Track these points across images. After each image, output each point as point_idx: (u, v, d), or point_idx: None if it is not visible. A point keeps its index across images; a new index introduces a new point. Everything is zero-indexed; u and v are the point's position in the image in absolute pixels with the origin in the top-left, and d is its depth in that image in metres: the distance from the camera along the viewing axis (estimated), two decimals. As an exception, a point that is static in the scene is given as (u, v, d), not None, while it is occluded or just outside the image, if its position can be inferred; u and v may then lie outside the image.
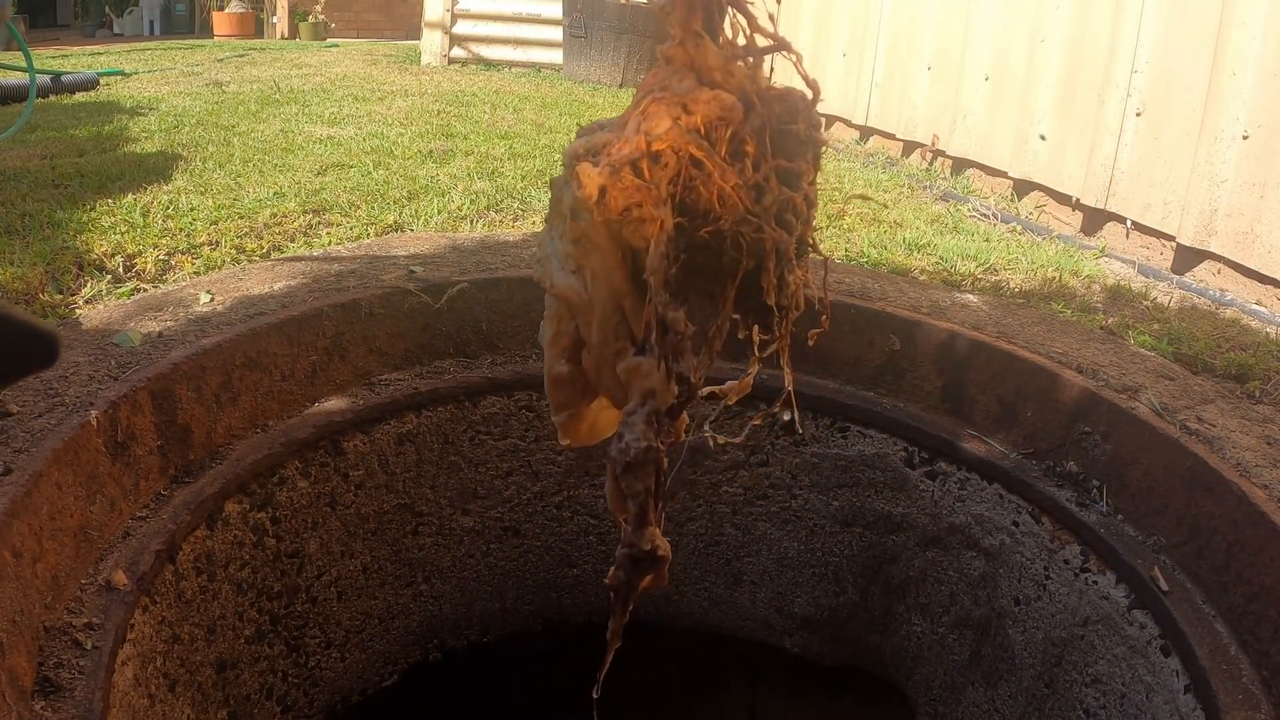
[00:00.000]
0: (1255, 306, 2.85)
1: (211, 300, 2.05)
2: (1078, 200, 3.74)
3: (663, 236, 0.80)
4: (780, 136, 0.81)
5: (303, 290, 2.12)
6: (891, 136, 5.15)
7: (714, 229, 0.80)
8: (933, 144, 4.77)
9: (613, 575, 0.84)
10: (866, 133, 5.41)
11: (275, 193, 3.01)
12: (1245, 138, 2.93)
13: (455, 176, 3.41)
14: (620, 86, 6.80)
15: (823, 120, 0.85)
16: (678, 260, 0.81)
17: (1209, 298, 2.92)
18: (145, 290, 2.15)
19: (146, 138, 3.88)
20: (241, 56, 7.86)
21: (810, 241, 0.87)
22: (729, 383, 0.95)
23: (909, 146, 5.04)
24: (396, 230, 2.74)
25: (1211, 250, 3.08)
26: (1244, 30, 2.94)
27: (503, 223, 2.89)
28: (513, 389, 2.21)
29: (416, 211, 2.91)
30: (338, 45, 9.81)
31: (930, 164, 4.80)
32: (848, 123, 5.61)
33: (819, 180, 0.89)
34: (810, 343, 1.01)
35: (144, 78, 6.21)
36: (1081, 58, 3.73)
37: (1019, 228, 3.63)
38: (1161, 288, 2.96)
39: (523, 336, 2.25)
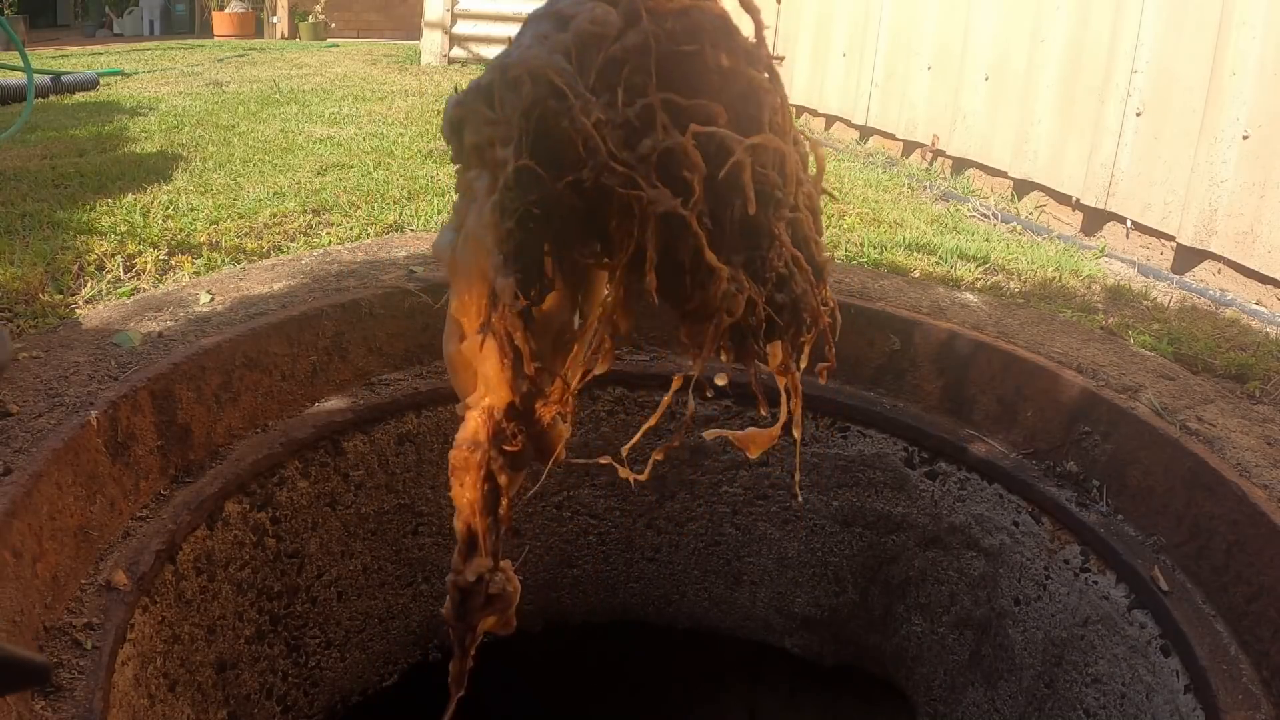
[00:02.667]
0: (1255, 306, 2.85)
1: (211, 300, 2.05)
2: (1078, 200, 3.74)
3: (497, 184, 0.65)
4: (674, 62, 0.62)
5: (303, 290, 2.12)
6: (891, 136, 5.15)
7: (574, 179, 0.62)
8: (933, 144, 4.77)
9: (446, 605, 0.70)
10: (866, 133, 5.41)
11: (275, 193, 3.01)
12: (1245, 138, 2.93)
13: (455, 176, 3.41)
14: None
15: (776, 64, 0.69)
16: (515, 214, 0.65)
17: (1209, 298, 2.92)
18: (145, 290, 2.15)
19: (146, 138, 3.88)
20: (241, 56, 7.86)
21: (770, 228, 0.64)
22: (750, 429, 0.76)
23: (909, 146, 5.04)
24: (396, 230, 2.73)
25: (1211, 250, 3.07)
26: (1244, 30, 2.94)
27: (503, 223, 2.88)
28: (513, 389, 2.20)
29: (416, 211, 2.91)
30: (337, 45, 9.81)
31: (930, 164, 4.80)
32: (848, 123, 5.61)
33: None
34: (825, 377, 0.79)
35: (144, 78, 6.21)
36: (1081, 58, 3.73)
37: (1019, 228, 3.63)
38: (1161, 288, 2.96)
39: (523, 336, 2.25)
